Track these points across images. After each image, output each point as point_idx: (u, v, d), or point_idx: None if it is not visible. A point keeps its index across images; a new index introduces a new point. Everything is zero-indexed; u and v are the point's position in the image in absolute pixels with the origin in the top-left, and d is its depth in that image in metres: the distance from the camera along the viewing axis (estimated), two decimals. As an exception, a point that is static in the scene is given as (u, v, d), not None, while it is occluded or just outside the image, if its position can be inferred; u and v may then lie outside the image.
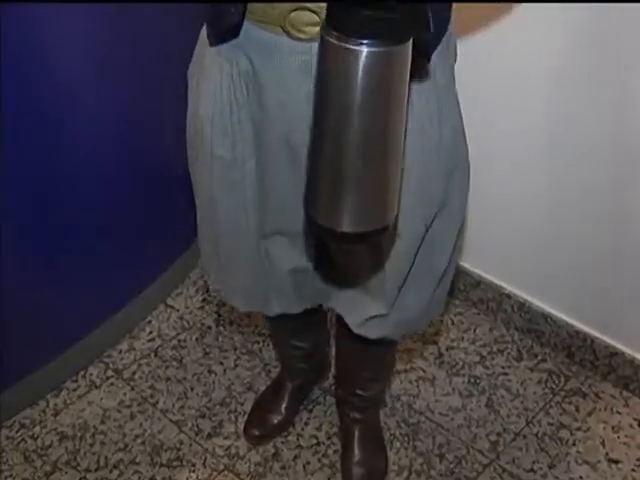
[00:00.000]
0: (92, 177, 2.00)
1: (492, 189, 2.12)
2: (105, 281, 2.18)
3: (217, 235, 1.47)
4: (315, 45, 1.10)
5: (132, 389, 2.21)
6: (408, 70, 0.96)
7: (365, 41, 0.90)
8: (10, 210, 1.80)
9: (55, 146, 1.87)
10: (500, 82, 1.99)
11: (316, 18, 1.14)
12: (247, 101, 1.28)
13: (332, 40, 0.92)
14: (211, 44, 1.28)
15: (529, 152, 2.04)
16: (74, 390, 2.22)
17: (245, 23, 1.21)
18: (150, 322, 2.41)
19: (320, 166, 0.99)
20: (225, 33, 1.24)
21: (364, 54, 0.91)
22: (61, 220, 1.96)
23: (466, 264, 2.34)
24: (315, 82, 0.97)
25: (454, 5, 1.26)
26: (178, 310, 2.44)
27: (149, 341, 2.36)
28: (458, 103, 1.36)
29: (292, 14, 1.15)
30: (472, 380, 2.22)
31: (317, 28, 1.13)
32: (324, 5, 1.07)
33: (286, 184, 1.34)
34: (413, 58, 0.95)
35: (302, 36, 1.17)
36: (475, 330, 2.36)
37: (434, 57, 1.22)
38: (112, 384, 2.23)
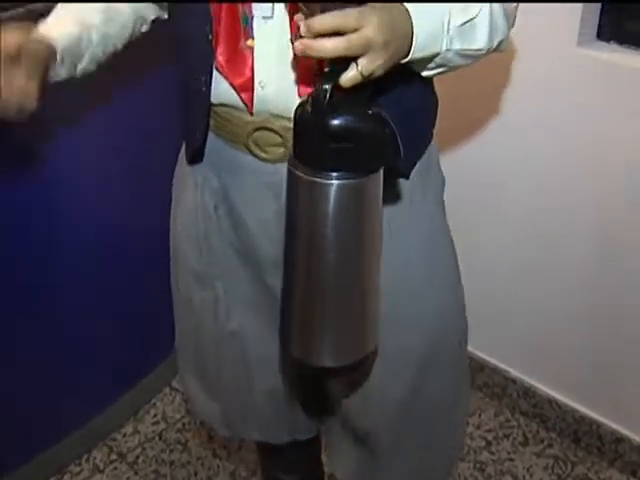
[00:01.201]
0: (96, 262, 2.00)
1: (495, 284, 2.08)
2: (110, 364, 2.16)
3: (193, 344, 1.46)
4: (282, 167, 1.12)
5: (136, 473, 2.17)
6: (380, 199, 0.91)
7: (334, 174, 0.87)
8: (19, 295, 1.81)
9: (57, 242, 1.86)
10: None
11: (279, 139, 1.14)
12: (218, 220, 1.28)
13: (299, 173, 0.89)
14: (187, 162, 1.30)
15: (528, 256, 2.04)
16: (77, 474, 2.18)
17: (216, 141, 1.22)
18: (155, 405, 2.39)
19: (292, 298, 0.97)
20: (194, 155, 1.26)
21: (334, 187, 0.88)
22: (66, 304, 1.96)
23: (470, 348, 2.26)
24: (285, 214, 0.94)
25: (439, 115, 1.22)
26: (183, 393, 2.38)
27: (154, 424, 2.33)
28: (449, 236, 1.33)
29: (255, 133, 1.15)
30: (478, 466, 2.16)
31: (282, 149, 1.15)
32: (287, 126, 1.10)
33: (255, 302, 1.32)
34: (388, 181, 0.93)
35: (267, 156, 1.17)
36: (480, 415, 2.30)
37: (413, 178, 1.18)
38: (116, 468, 2.20)
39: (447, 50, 0.99)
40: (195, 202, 1.30)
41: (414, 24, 0.91)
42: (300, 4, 0.84)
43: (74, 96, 1.65)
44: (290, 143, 1.10)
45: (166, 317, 2.10)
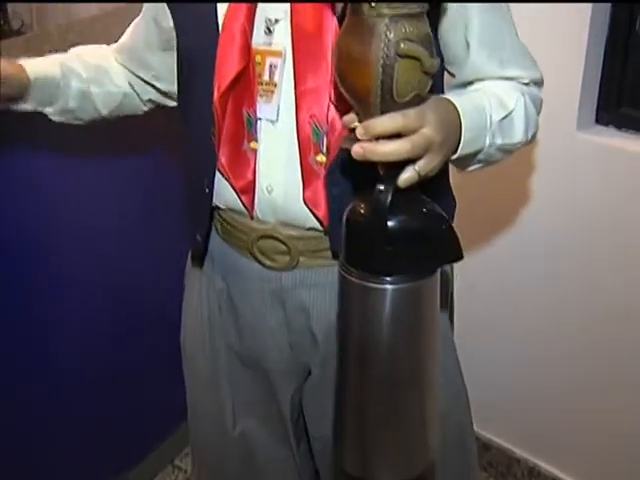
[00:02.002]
0: (104, 333, 1.94)
1: (498, 355, 2.04)
2: (113, 441, 2.08)
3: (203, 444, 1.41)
4: (285, 275, 1.14)
5: None
6: (438, 299, 0.87)
7: (389, 278, 0.82)
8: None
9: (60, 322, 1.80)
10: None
11: (284, 248, 1.12)
12: (222, 323, 1.25)
13: (352, 278, 0.84)
14: (192, 260, 1.29)
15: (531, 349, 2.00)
16: None
17: (222, 245, 1.20)
18: (158, 483, 2.28)
19: (345, 408, 0.91)
20: (195, 256, 1.25)
21: (389, 292, 0.83)
22: (67, 382, 1.87)
23: (475, 427, 2.22)
24: (337, 320, 0.89)
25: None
26: (185, 471, 2.32)
27: (156, 502, 2.22)
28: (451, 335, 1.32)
29: (260, 241, 1.13)
30: None
31: (287, 257, 1.13)
32: (291, 234, 1.10)
33: (262, 409, 1.29)
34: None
35: (272, 264, 1.15)
36: (486, 494, 2.23)
37: None
38: None
39: (490, 145, 0.99)
40: (200, 302, 1.27)
41: (462, 120, 0.91)
42: (354, 106, 0.82)
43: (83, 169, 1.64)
44: (295, 251, 1.11)
45: (169, 395, 2.05)
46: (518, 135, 1.05)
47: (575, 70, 1.71)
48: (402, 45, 0.72)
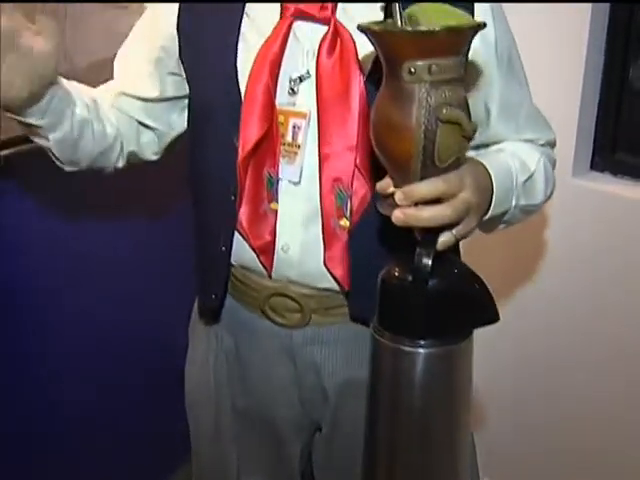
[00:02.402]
0: (95, 384, 1.88)
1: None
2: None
3: None
4: (296, 333, 1.12)
5: None
6: (472, 361, 0.85)
7: (422, 342, 0.80)
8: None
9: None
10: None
11: (296, 306, 1.10)
12: (229, 380, 1.22)
13: (385, 341, 0.83)
14: (200, 316, 1.25)
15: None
16: None
17: (231, 301, 1.17)
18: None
19: (375, 473, 0.88)
20: (208, 315, 1.21)
21: (422, 356, 0.81)
22: (69, 425, 1.83)
23: None
24: (368, 382, 0.87)
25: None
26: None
27: None
28: None
29: (272, 299, 1.11)
30: None
31: (298, 315, 1.10)
32: (304, 293, 1.08)
33: (268, 466, 1.26)
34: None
35: (283, 321, 1.12)
36: None
37: None
38: None
39: (515, 207, 0.99)
40: (206, 358, 1.24)
41: (493, 182, 0.91)
42: (391, 176, 0.81)
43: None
44: (307, 309, 1.09)
45: (169, 437, 2.01)
46: (540, 196, 1.06)
47: (570, 117, 1.75)
48: (444, 110, 0.72)
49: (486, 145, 1.10)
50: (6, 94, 0.89)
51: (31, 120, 0.96)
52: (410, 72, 0.72)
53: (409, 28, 0.75)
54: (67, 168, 1.11)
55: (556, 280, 1.86)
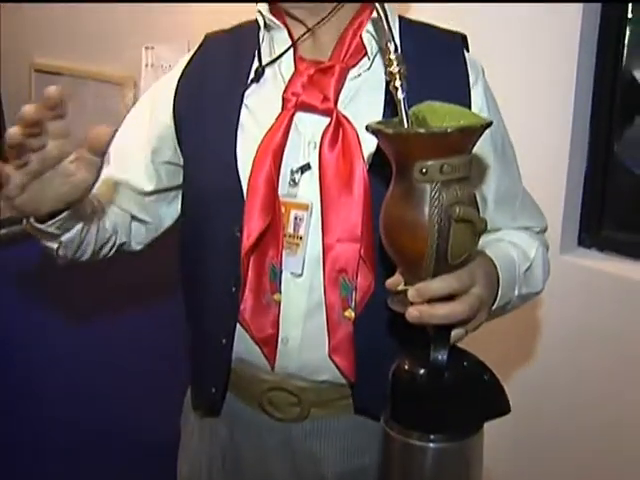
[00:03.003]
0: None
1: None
2: None
3: None
4: (295, 426, 1.10)
5: None
6: (482, 456, 0.85)
7: (433, 436, 0.80)
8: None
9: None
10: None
11: (294, 399, 1.08)
12: (224, 474, 1.18)
13: (395, 434, 0.83)
14: (194, 407, 1.21)
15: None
16: None
17: (228, 395, 1.14)
18: None
19: None
20: (205, 409, 1.18)
21: (432, 450, 0.81)
22: None
23: None
24: (377, 476, 0.86)
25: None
26: None
27: None
28: None
29: (270, 393, 1.09)
30: None
31: (297, 409, 1.09)
32: (303, 386, 1.07)
33: None
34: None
35: (281, 416, 1.10)
36: None
37: None
38: None
39: (517, 296, 1.00)
40: (199, 450, 1.20)
41: (499, 274, 0.92)
42: (401, 273, 0.82)
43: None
44: (306, 403, 1.07)
45: None
46: (539, 284, 1.09)
47: (557, 193, 1.78)
48: (457, 209, 0.73)
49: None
50: (33, 209, 0.89)
51: (50, 229, 0.95)
52: (422, 172, 0.74)
53: (421, 130, 0.77)
54: (61, 262, 1.09)
55: (543, 355, 1.87)
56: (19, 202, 0.86)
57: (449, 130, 0.73)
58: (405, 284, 0.81)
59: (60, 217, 0.93)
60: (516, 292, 1.00)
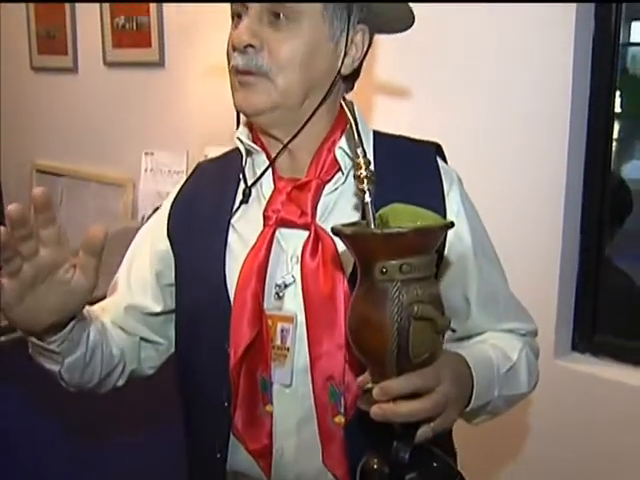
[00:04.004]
0: None
1: None
2: None
3: None
4: None
5: None
6: None
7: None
8: None
9: None
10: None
11: None
12: None
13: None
14: None
15: None
16: None
17: None
18: None
19: None
20: None
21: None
22: None
23: None
24: None
25: None
26: None
27: None
28: None
29: None
30: None
31: None
32: None
33: None
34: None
35: None
36: None
37: None
38: None
39: (498, 397, 1.02)
40: None
41: (473, 374, 0.94)
42: (369, 371, 0.84)
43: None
44: None
45: None
46: (523, 386, 1.09)
47: (549, 298, 1.80)
48: (415, 308, 0.77)
49: (469, 337, 1.13)
50: (32, 322, 0.90)
51: (52, 347, 0.96)
52: (382, 272, 0.78)
53: (377, 231, 0.81)
54: (71, 389, 1.11)
55: (539, 459, 1.85)
56: (16, 314, 0.87)
57: (405, 231, 0.77)
58: (372, 382, 0.83)
59: (61, 334, 0.95)
60: (496, 393, 1.01)
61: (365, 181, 0.85)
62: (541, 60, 1.74)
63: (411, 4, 1.08)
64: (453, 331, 1.15)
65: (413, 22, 1.11)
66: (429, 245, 0.81)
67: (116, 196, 2.81)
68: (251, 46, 1.00)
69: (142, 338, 1.19)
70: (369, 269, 0.79)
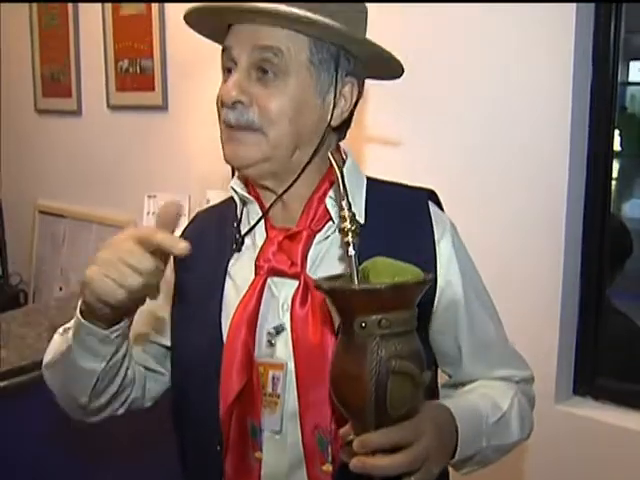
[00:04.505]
0: None
1: None
2: None
3: None
4: None
5: None
6: None
7: None
8: None
9: None
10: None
11: None
12: None
13: None
14: None
15: None
16: None
17: None
18: None
19: None
20: None
21: None
22: None
23: None
24: None
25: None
26: None
27: None
28: None
29: None
30: None
31: None
32: None
33: None
34: None
35: None
36: None
37: None
38: None
39: (486, 447, 1.03)
40: None
41: (458, 425, 0.96)
42: (349, 419, 0.86)
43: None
44: None
45: None
46: (514, 435, 1.10)
47: (550, 342, 1.81)
48: (393, 363, 0.79)
49: (462, 384, 1.15)
50: (108, 297, 0.93)
51: (113, 335, 1.00)
52: (361, 326, 0.80)
53: (355, 286, 0.84)
54: (76, 414, 1.15)
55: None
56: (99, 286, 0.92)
57: (380, 287, 0.80)
58: (354, 434, 0.85)
59: (121, 324, 1.00)
60: (484, 443, 1.02)
61: (349, 234, 0.87)
62: (539, 100, 1.77)
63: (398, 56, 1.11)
64: (450, 376, 1.18)
65: (402, 72, 1.14)
66: (408, 300, 0.83)
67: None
68: (240, 102, 1.04)
69: (146, 367, 1.22)
70: (349, 323, 0.82)
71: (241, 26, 1.05)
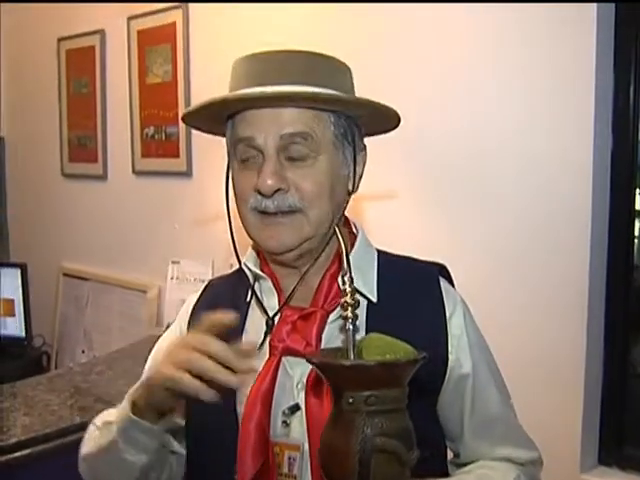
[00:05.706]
0: None
1: None
2: None
3: None
4: None
5: None
6: None
7: None
8: None
9: None
10: None
11: None
12: None
13: None
14: None
15: None
16: None
17: None
18: None
19: None
20: None
21: None
22: None
23: None
24: None
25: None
26: None
27: None
28: None
29: None
30: None
31: None
32: None
33: None
34: None
35: None
36: None
37: None
38: None
39: None
40: None
41: None
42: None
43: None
44: None
45: None
46: None
47: (574, 411, 1.80)
48: (378, 440, 0.82)
49: (464, 464, 1.16)
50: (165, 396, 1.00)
51: (158, 427, 1.06)
52: (349, 402, 0.84)
53: (344, 362, 0.88)
54: None
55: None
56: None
57: (368, 364, 0.84)
58: None
59: (167, 417, 1.05)
60: None
61: (350, 308, 0.91)
62: (558, 162, 1.80)
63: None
64: (455, 454, 1.19)
65: (399, 121, 1.17)
66: (398, 378, 0.86)
67: (141, 302, 2.92)
68: (279, 189, 1.07)
69: (171, 450, 1.21)
70: (339, 397, 0.85)
71: (257, 113, 1.07)
